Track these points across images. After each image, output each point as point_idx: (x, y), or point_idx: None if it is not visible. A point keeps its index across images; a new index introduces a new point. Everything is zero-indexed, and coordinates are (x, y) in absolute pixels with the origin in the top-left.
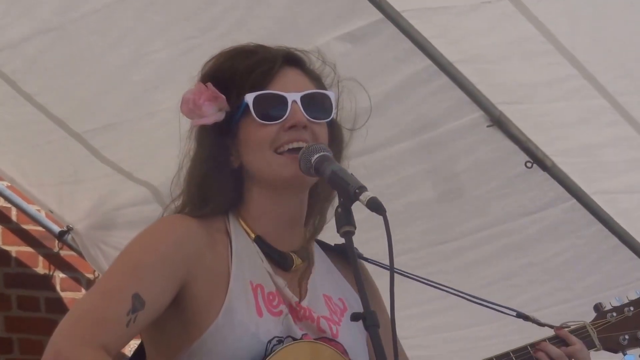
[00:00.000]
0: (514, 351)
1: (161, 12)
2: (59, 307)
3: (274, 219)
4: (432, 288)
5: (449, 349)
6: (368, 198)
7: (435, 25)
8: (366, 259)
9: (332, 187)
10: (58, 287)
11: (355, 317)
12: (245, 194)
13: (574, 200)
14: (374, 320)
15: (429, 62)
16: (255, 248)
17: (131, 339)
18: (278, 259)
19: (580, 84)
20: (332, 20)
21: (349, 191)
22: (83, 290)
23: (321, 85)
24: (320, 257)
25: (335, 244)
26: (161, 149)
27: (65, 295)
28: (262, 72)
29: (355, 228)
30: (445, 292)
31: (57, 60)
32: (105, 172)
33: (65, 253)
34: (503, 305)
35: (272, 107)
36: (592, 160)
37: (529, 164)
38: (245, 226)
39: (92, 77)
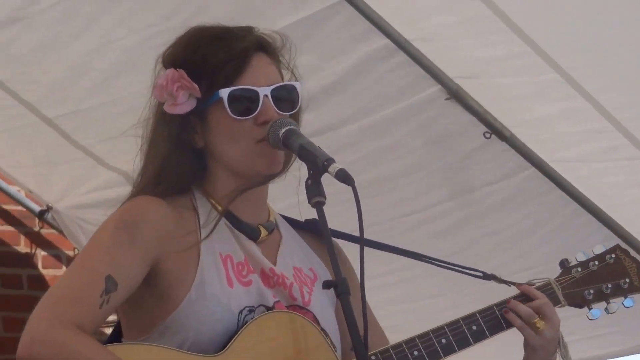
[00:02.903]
0: (480, 312)
1: (123, 2)
2: (41, 284)
3: (241, 198)
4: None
5: (407, 320)
6: (337, 169)
7: (390, 6)
8: (338, 234)
9: (301, 160)
10: (40, 265)
11: (327, 284)
12: (210, 172)
13: (533, 169)
14: (345, 288)
15: (386, 40)
16: (223, 220)
17: (105, 319)
18: (245, 230)
19: (533, 60)
20: (291, 4)
21: (318, 163)
22: (64, 268)
23: (283, 66)
24: (288, 232)
25: (304, 220)
26: (127, 135)
27: (47, 273)
28: (234, 66)
29: (325, 198)
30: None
31: (26, 49)
32: (76, 156)
33: (46, 231)
34: (469, 267)
35: (245, 102)
36: (548, 131)
37: (487, 135)
38: (211, 200)
39: (59, 65)
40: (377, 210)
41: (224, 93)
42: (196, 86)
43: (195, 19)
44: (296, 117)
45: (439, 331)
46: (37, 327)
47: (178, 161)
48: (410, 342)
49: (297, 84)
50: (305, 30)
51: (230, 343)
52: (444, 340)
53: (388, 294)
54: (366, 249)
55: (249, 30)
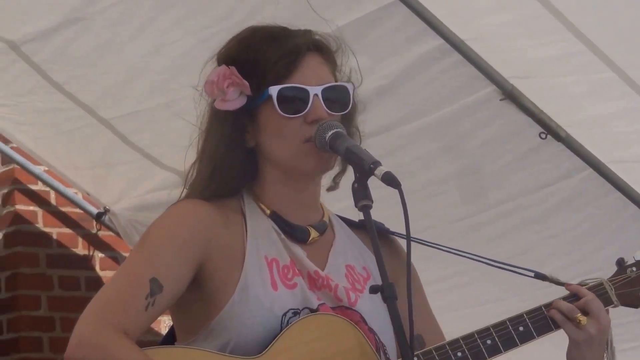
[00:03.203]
0: (528, 312)
1: (178, 3)
2: (99, 286)
3: (290, 199)
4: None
5: (460, 327)
6: (383, 172)
7: (444, 6)
8: (389, 231)
9: (347, 163)
10: (97, 267)
11: (374, 289)
12: (260, 173)
13: (590, 170)
14: (391, 292)
15: (440, 41)
16: (270, 223)
17: (152, 322)
18: (294, 232)
19: (589, 58)
20: (345, 5)
21: (364, 166)
22: None
23: (337, 68)
24: (343, 231)
25: (359, 220)
26: (182, 136)
27: (105, 275)
28: (285, 64)
29: (372, 202)
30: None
31: (83, 50)
32: (133, 157)
33: (103, 233)
34: (521, 267)
35: (294, 100)
36: (604, 130)
37: (543, 135)
38: (260, 203)
39: (116, 67)
40: (430, 212)
41: (274, 91)
42: (246, 83)
43: (251, 20)
44: (349, 118)
45: (484, 332)
46: (84, 329)
47: (230, 161)
48: (454, 344)
49: (349, 85)
50: (359, 31)
51: (270, 345)
52: (489, 342)
53: (441, 300)
54: (423, 254)
55: (304, 30)
